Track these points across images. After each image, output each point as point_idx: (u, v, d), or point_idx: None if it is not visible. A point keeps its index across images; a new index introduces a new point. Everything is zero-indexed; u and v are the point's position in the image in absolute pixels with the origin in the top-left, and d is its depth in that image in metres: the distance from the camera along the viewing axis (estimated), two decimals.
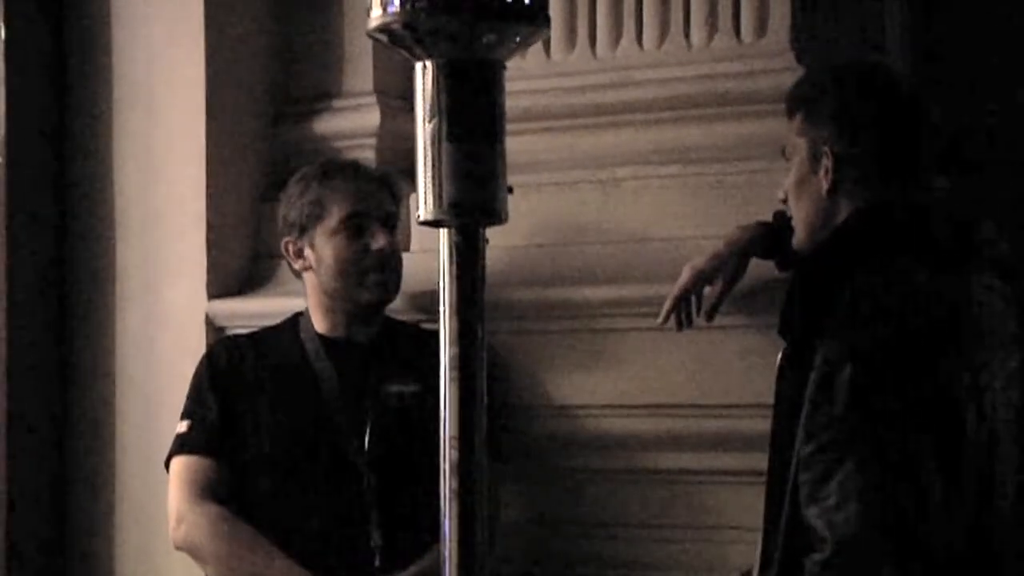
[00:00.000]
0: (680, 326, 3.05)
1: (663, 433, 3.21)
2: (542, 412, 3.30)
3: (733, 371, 3.10)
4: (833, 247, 2.60)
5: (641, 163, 3.36)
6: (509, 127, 1.44)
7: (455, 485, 1.41)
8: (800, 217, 2.68)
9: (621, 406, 3.23)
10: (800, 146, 2.67)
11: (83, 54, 3.83)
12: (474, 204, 1.41)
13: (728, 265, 3.00)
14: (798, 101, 2.70)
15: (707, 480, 3.18)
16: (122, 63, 3.79)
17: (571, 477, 3.31)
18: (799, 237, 2.69)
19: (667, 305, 3.03)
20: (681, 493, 3.22)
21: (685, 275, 3.02)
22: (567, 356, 3.28)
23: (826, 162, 2.61)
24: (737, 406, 3.08)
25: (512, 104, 1.47)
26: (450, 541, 1.42)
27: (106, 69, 3.80)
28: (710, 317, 3.04)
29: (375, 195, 3.26)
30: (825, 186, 2.62)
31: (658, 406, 3.20)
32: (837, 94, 2.66)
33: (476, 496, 1.42)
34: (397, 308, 3.34)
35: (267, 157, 3.80)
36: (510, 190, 1.45)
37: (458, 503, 1.41)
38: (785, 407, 2.55)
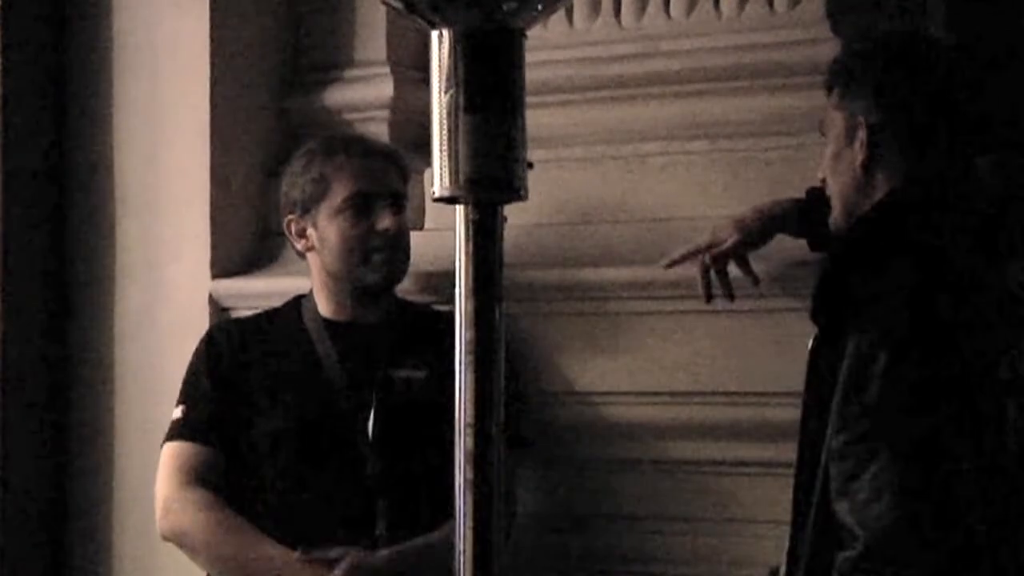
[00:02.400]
0: (709, 298, 3.06)
1: (687, 422, 3.21)
2: (561, 399, 3.30)
3: (762, 357, 3.10)
4: (867, 230, 2.59)
5: (668, 138, 3.36)
6: (529, 99, 1.43)
7: (470, 474, 1.41)
8: (836, 191, 2.69)
9: (644, 393, 3.23)
10: (836, 120, 2.68)
11: (83, 20, 3.83)
12: (492, 180, 1.41)
13: (749, 227, 3.01)
14: (834, 75, 2.71)
15: (734, 471, 3.18)
16: (124, 31, 3.79)
17: (590, 467, 3.31)
18: (835, 213, 2.70)
19: (680, 257, 3.07)
20: (706, 485, 3.23)
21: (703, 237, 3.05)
22: (588, 340, 3.28)
23: (861, 134, 2.62)
24: (766, 394, 3.08)
25: (532, 75, 1.47)
26: (464, 532, 1.42)
27: (107, 37, 3.80)
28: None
29: (381, 173, 3.25)
30: (860, 159, 2.63)
31: (683, 393, 3.20)
32: (873, 65, 2.67)
33: (492, 486, 1.42)
34: (409, 289, 3.34)
35: (274, 130, 3.80)
36: (530, 166, 1.45)
37: (473, 493, 1.41)
38: (816, 396, 2.55)
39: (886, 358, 2.40)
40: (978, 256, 2.56)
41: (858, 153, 2.63)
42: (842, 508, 2.43)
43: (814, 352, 2.60)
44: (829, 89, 2.72)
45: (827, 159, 2.71)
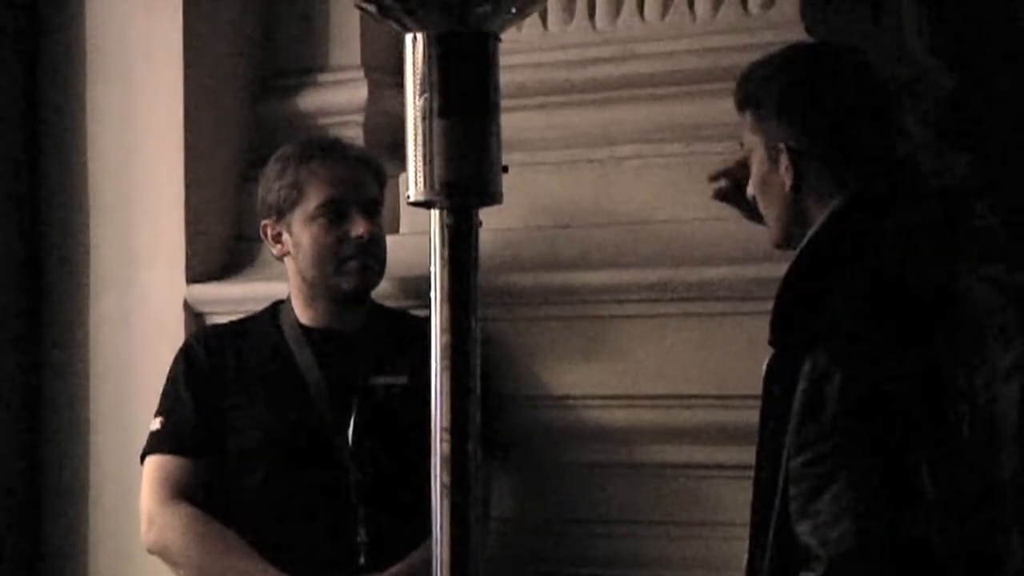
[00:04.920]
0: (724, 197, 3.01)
1: (665, 425, 3.21)
2: (539, 403, 3.30)
3: (740, 360, 3.09)
4: (813, 254, 2.58)
5: (643, 141, 3.36)
6: (504, 103, 1.44)
7: (446, 479, 1.42)
8: (771, 217, 2.67)
9: (622, 396, 3.23)
10: (755, 143, 2.65)
11: (55, 25, 3.82)
12: (467, 184, 1.41)
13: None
14: (744, 97, 2.67)
15: (712, 475, 3.18)
16: (96, 35, 3.78)
17: (569, 472, 3.31)
18: (774, 237, 2.69)
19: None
20: (684, 488, 3.23)
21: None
22: (565, 344, 3.28)
23: (784, 160, 2.59)
24: (744, 396, 3.08)
25: (507, 79, 1.47)
26: (441, 538, 1.42)
27: (79, 42, 3.79)
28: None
29: (356, 179, 3.24)
30: (788, 184, 2.60)
31: (662, 397, 3.20)
32: (784, 86, 2.62)
33: (468, 491, 1.42)
34: (386, 293, 3.34)
35: (248, 134, 3.79)
36: (505, 169, 1.45)
37: (450, 498, 1.42)
38: (772, 417, 2.55)
39: (841, 377, 2.40)
40: (929, 267, 2.56)
41: (785, 179, 2.60)
42: (803, 529, 2.43)
43: (769, 373, 2.59)
44: (740, 108, 2.68)
45: (755, 182, 2.67)
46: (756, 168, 2.66)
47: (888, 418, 2.41)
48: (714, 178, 2.97)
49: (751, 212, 2.84)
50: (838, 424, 2.40)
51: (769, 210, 2.67)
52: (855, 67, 2.67)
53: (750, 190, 2.71)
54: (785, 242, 2.66)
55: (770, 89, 2.63)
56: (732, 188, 2.92)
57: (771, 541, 2.50)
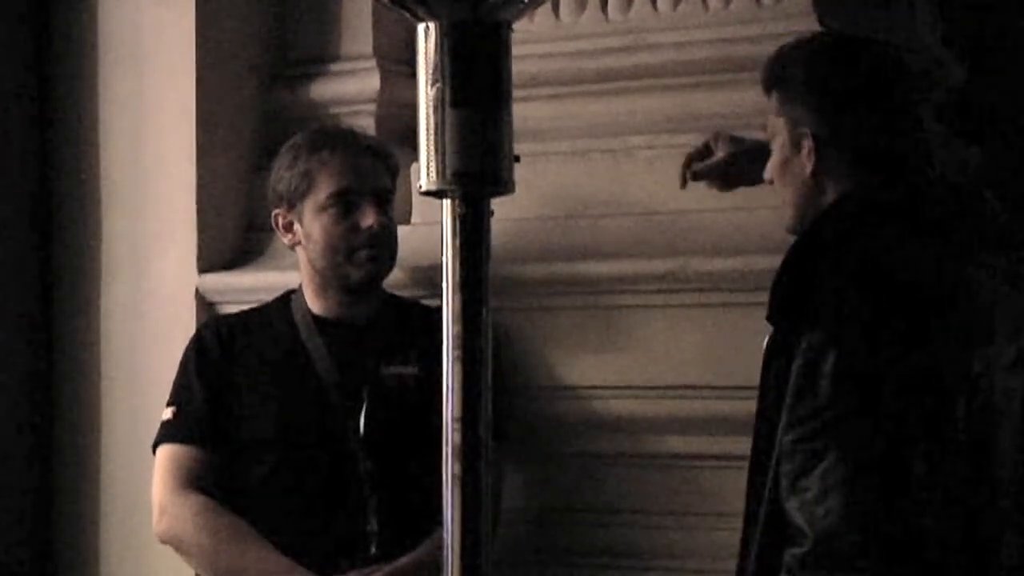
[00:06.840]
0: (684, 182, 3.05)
1: (675, 416, 3.21)
2: (548, 393, 3.30)
3: (748, 351, 3.08)
4: (818, 234, 2.59)
5: (655, 131, 3.36)
6: (516, 93, 1.44)
7: (458, 470, 1.42)
8: (787, 200, 2.68)
9: (632, 387, 3.23)
10: (779, 126, 2.66)
11: (66, 13, 3.82)
12: (479, 174, 1.41)
13: (744, 148, 2.98)
14: (772, 79, 2.68)
15: (720, 465, 3.18)
16: (108, 25, 3.78)
17: (578, 461, 3.32)
18: (788, 220, 2.69)
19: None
20: (693, 478, 3.23)
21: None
22: (576, 334, 3.28)
23: (807, 144, 2.60)
24: (753, 388, 3.08)
25: (519, 69, 1.47)
26: (452, 527, 1.42)
27: (91, 32, 3.79)
28: (695, 177, 3.04)
29: (367, 169, 3.24)
30: (808, 169, 2.61)
31: (672, 387, 3.20)
32: (812, 72, 2.64)
33: (479, 481, 1.42)
34: (398, 283, 3.34)
35: (260, 123, 3.79)
36: (517, 159, 1.45)
37: (461, 488, 1.42)
38: (770, 395, 2.55)
39: (835, 357, 2.41)
40: (932, 254, 2.56)
41: (806, 164, 2.61)
42: (792, 506, 2.43)
43: (768, 351, 2.60)
44: (766, 89, 2.69)
45: (774, 165, 2.69)
46: (777, 151, 2.67)
47: (881, 398, 2.42)
48: (689, 179, 3.04)
49: (724, 182, 2.99)
50: (831, 402, 2.40)
51: (786, 193, 2.68)
52: (888, 63, 2.68)
53: (767, 172, 2.72)
54: (799, 225, 2.67)
55: (801, 74, 2.64)
56: (700, 163, 3.00)
57: (762, 518, 2.50)
